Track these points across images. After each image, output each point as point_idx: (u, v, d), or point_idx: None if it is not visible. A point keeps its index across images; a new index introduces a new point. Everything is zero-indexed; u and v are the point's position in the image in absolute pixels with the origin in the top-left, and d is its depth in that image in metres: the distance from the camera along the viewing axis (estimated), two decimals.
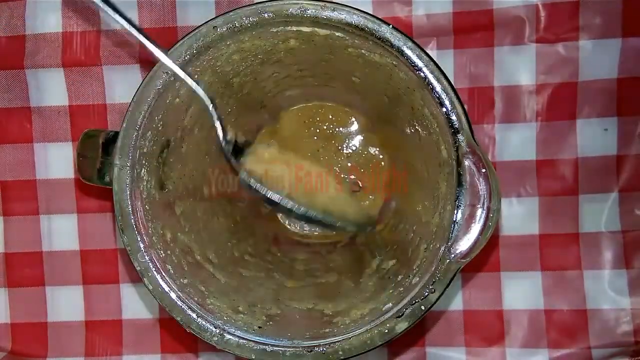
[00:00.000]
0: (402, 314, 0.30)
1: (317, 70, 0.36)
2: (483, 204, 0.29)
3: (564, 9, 0.39)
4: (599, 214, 0.40)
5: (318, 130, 0.41)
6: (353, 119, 0.40)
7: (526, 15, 0.39)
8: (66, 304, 0.42)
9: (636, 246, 0.40)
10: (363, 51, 0.32)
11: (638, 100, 0.39)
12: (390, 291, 0.32)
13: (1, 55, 0.41)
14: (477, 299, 0.40)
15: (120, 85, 0.41)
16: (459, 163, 0.29)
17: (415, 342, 0.41)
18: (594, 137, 0.40)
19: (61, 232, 0.42)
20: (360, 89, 0.37)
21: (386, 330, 0.30)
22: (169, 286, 0.31)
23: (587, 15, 0.39)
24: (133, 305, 0.42)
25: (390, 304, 0.31)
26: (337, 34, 0.31)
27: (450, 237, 0.29)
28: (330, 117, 0.41)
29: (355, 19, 0.30)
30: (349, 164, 0.40)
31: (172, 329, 0.41)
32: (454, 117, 0.30)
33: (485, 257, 0.40)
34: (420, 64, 0.30)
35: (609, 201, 0.40)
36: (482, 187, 0.29)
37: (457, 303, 0.40)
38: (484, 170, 0.29)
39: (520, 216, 0.40)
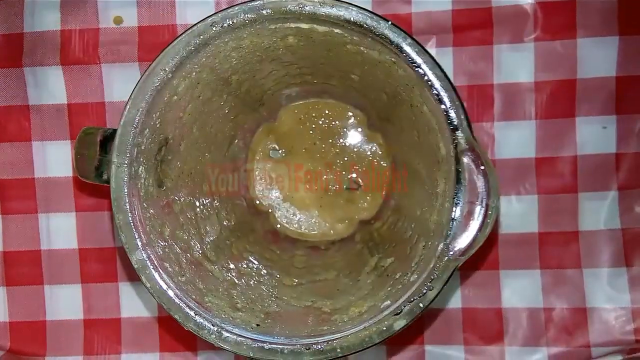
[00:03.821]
0: (400, 312, 0.30)
1: (316, 68, 0.36)
2: (482, 201, 0.29)
3: (561, 7, 0.39)
4: (598, 211, 0.40)
5: (317, 128, 0.41)
6: (352, 117, 0.40)
7: (525, 13, 0.39)
8: (65, 302, 0.42)
9: (636, 244, 0.39)
10: (362, 48, 0.32)
11: (637, 98, 0.39)
12: (389, 289, 0.32)
13: None
14: (476, 297, 0.40)
15: (119, 83, 0.41)
16: (458, 160, 0.29)
17: (414, 340, 0.40)
18: (593, 134, 0.40)
19: (59, 231, 0.42)
20: (359, 87, 0.37)
21: (384, 328, 0.30)
22: (166, 284, 0.31)
23: (584, 13, 0.39)
24: (132, 303, 0.42)
25: (389, 301, 0.31)
26: (335, 30, 0.31)
27: (448, 234, 0.29)
28: (329, 114, 0.40)
29: (353, 15, 0.30)
30: (348, 162, 0.40)
31: (170, 327, 0.41)
32: (453, 114, 0.29)
33: (484, 255, 0.40)
34: (419, 60, 0.30)
35: (608, 199, 0.40)
36: (480, 184, 0.29)
37: (455, 301, 0.40)
38: (482, 167, 0.29)
39: (519, 214, 0.40)
